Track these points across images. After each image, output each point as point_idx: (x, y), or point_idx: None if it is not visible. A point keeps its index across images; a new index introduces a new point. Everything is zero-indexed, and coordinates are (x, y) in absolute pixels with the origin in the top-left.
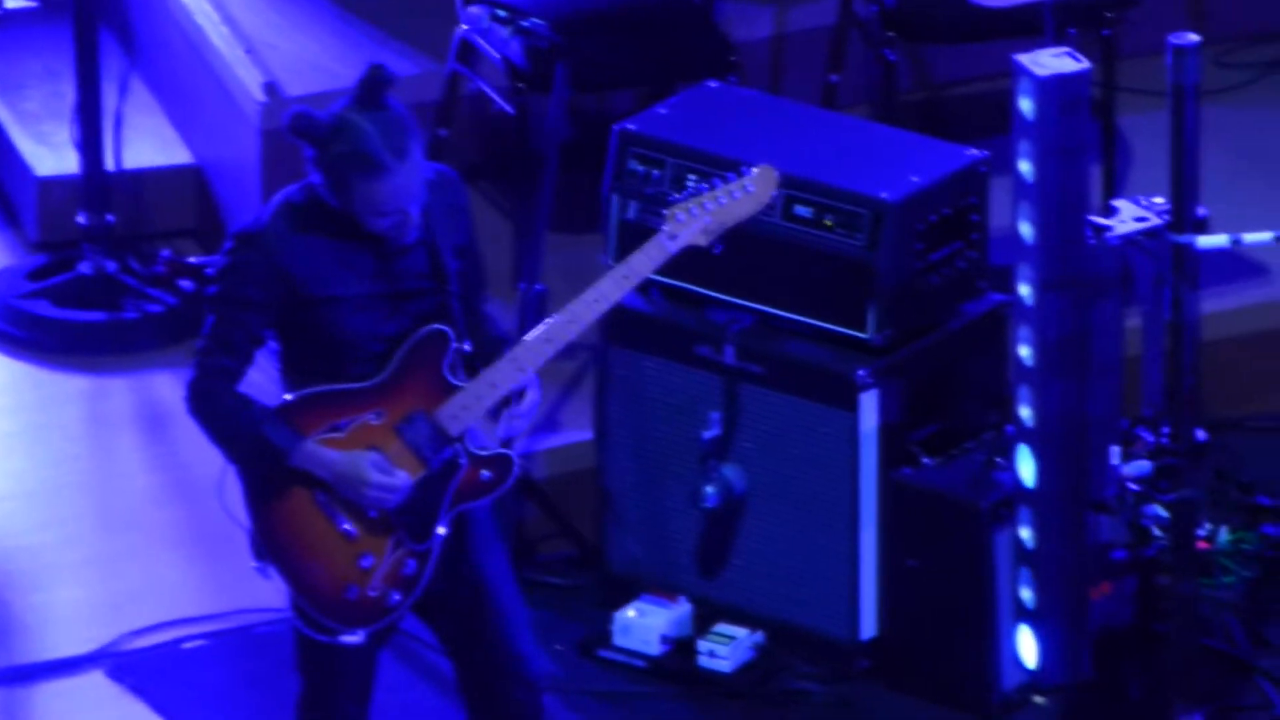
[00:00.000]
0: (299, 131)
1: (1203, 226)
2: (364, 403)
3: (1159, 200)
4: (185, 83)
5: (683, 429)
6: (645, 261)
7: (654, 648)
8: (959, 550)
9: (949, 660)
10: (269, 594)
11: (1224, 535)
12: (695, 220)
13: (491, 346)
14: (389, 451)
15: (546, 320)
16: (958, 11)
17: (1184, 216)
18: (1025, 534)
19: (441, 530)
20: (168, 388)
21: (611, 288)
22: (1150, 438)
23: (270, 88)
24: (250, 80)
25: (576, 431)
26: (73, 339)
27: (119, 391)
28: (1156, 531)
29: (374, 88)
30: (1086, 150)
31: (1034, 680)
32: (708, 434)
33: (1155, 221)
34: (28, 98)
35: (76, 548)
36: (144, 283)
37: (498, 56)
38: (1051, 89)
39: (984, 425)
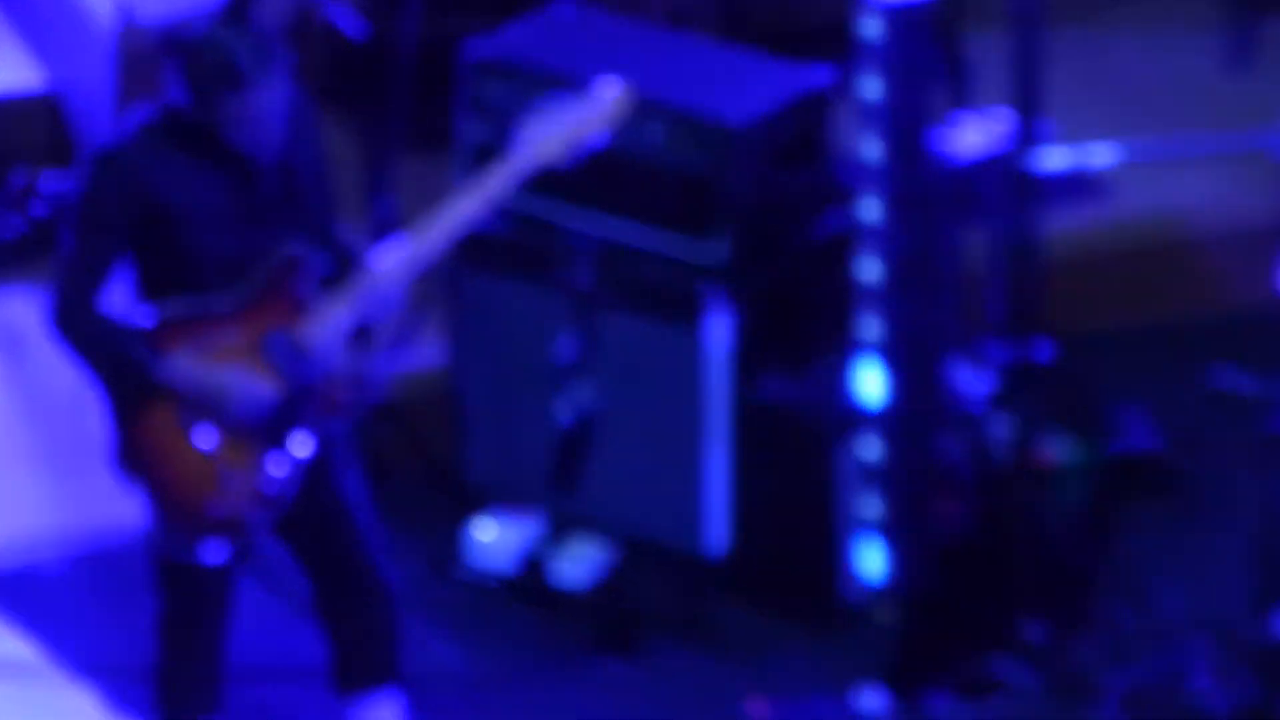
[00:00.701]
0: (169, 46)
1: (1047, 146)
2: (225, 322)
3: (1004, 121)
4: (38, 7)
5: (535, 350)
6: (499, 180)
7: (507, 567)
8: (807, 467)
9: (797, 575)
10: (127, 514)
11: (1068, 450)
12: (550, 138)
13: (347, 267)
14: (251, 370)
15: (401, 241)
16: None
17: (1029, 136)
18: (872, 450)
19: (302, 449)
20: (21, 312)
21: (466, 207)
22: (996, 354)
23: (124, 14)
24: (103, 7)
25: (431, 353)
26: None
27: None
28: (1001, 447)
29: (243, 4)
30: (932, 71)
31: (880, 594)
32: (560, 355)
33: (1000, 141)
34: None
35: None
36: None
37: None
38: (897, 10)
39: (831, 344)
